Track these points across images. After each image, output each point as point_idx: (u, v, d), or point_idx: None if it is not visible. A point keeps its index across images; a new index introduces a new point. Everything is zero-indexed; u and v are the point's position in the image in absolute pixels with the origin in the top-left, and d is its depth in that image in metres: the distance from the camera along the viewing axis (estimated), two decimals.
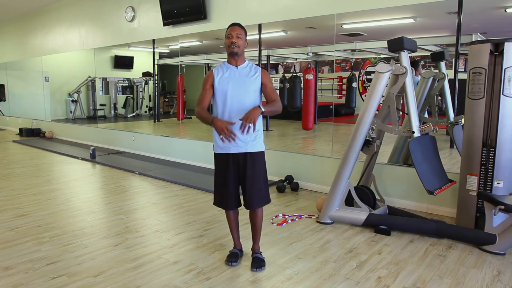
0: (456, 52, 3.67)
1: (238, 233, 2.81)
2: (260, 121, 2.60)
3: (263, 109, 2.47)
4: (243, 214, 3.67)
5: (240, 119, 2.45)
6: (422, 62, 4.54)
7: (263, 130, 2.67)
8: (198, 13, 5.62)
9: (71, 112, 9.82)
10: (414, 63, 4.33)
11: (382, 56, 5.36)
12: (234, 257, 2.71)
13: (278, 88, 7.20)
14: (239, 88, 2.55)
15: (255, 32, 5.18)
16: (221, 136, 2.45)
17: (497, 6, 3.65)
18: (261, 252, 2.76)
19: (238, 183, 2.64)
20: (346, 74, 6.22)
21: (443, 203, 3.74)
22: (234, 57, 2.58)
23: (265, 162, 2.67)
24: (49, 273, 2.53)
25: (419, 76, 4.27)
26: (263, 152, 2.64)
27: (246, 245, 2.98)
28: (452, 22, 3.67)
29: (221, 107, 2.58)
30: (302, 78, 6.45)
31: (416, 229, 3.23)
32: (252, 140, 2.56)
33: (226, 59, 2.65)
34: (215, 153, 2.66)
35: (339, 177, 3.45)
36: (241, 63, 2.62)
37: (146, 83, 9.30)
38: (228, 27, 2.60)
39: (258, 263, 2.65)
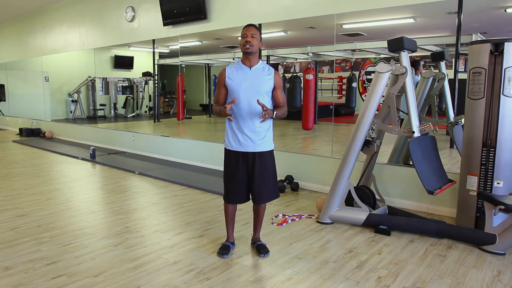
0: (456, 52, 3.67)
1: (233, 227, 2.92)
2: (270, 122, 2.70)
3: (275, 114, 2.56)
4: (242, 214, 3.68)
5: (261, 107, 2.48)
6: (422, 62, 4.54)
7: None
8: (198, 13, 5.62)
9: (71, 112, 9.82)
10: (414, 62, 4.33)
11: (382, 56, 5.36)
12: (226, 249, 2.82)
13: None
14: (251, 90, 2.60)
15: None
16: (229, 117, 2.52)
17: (497, 6, 3.65)
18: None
19: (247, 179, 2.71)
20: (346, 74, 6.21)
21: (443, 203, 3.74)
22: (249, 56, 2.61)
23: (274, 159, 2.77)
24: (49, 273, 2.53)
25: (419, 75, 4.27)
26: (271, 151, 2.74)
27: (245, 245, 2.99)
28: (452, 22, 3.67)
29: (233, 107, 2.62)
30: (302, 78, 6.45)
31: (416, 229, 3.23)
32: (260, 140, 2.65)
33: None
34: (226, 149, 2.73)
35: (339, 177, 3.45)
36: (255, 63, 2.65)
37: (146, 83, 9.30)
38: (244, 27, 2.64)
39: (264, 249, 2.84)
